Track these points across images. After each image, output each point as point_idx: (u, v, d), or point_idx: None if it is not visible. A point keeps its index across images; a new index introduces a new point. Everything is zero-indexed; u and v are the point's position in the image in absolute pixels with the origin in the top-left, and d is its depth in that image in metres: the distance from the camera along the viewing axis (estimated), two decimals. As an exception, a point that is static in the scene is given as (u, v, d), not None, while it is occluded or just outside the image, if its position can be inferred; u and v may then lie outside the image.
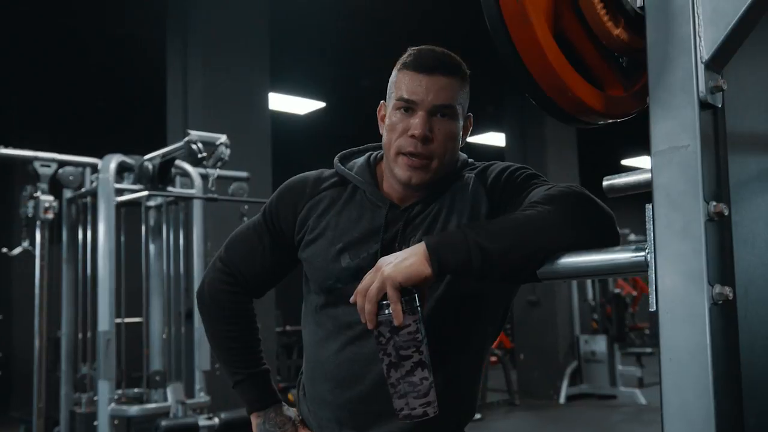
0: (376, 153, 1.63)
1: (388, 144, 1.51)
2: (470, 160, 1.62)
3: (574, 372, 9.51)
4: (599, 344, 9.46)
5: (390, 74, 1.55)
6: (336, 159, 1.65)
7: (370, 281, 1.25)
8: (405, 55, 1.51)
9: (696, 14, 1.00)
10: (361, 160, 1.63)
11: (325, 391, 1.54)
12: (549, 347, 9.55)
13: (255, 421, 1.66)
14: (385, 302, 1.24)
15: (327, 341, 1.54)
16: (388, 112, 1.53)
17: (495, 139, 11.86)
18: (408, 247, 1.45)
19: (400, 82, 1.49)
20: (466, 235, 1.24)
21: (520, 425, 8.25)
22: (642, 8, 1.08)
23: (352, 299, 1.28)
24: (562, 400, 9.16)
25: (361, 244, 1.51)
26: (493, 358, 9.58)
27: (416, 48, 1.51)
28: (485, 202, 1.50)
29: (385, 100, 1.56)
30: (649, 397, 8.81)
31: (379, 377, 1.44)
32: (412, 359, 1.25)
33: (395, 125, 1.49)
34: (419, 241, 1.44)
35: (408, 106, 1.47)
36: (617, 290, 10.43)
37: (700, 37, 1.00)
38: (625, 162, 14.93)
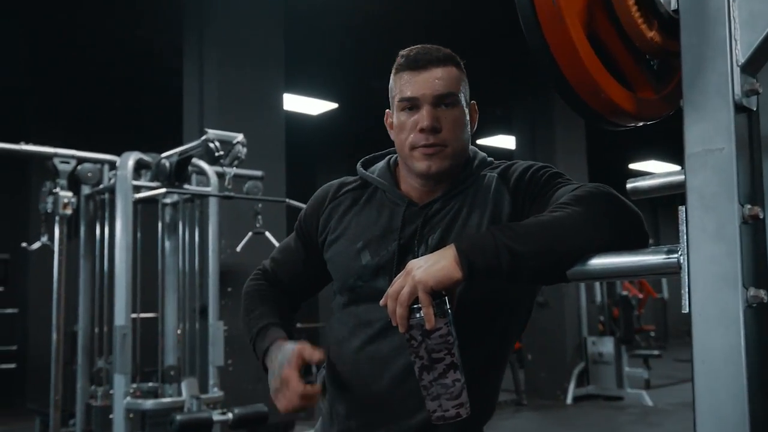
0: (395, 156, 1.66)
1: (401, 144, 1.53)
2: (489, 158, 1.63)
3: (582, 373, 9.49)
4: (606, 346, 9.45)
5: None
6: (359, 164, 1.68)
7: (401, 285, 1.25)
8: (398, 59, 1.54)
9: (732, 17, 0.99)
10: (381, 163, 1.66)
11: (343, 387, 1.55)
12: (557, 348, 9.54)
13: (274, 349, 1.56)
14: (416, 306, 1.24)
15: (348, 339, 1.55)
16: (394, 116, 1.55)
17: (504, 141, 11.85)
18: (426, 245, 1.47)
19: (399, 85, 1.52)
20: (496, 238, 1.24)
21: (527, 425, 8.23)
22: (676, 11, 1.07)
23: (382, 302, 1.28)
24: (569, 400, 9.15)
25: (380, 242, 1.53)
26: (501, 359, 9.56)
27: (406, 49, 1.55)
28: (508, 201, 1.50)
29: (390, 108, 1.59)
30: (656, 399, 8.81)
31: (397, 376, 1.46)
32: (444, 362, 1.25)
33: (403, 125, 1.51)
34: (438, 240, 1.46)
35: (411, 105, 1.50)
36: (624, 292, 10.41)
37: (736, 40, 0.99)
38: (632, 166, 14.96)
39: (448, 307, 1.25)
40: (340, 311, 1.60)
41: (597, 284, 10.23)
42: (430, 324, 1.23)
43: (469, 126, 1.55)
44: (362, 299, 1.52)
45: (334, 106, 10.00)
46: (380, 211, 1.57)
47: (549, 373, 9.54)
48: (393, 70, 1.55)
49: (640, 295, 12.27)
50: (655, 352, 11.00)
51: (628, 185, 1.35)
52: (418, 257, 1.42)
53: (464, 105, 1.53)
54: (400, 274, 1.28)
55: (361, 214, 1.59)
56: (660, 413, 8.32)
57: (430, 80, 1.48)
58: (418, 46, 1.54)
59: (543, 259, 1.24)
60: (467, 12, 7.05)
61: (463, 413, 1.28)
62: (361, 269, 1.52)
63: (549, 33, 1.12)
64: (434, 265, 1.24)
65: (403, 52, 1.54)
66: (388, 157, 1.68)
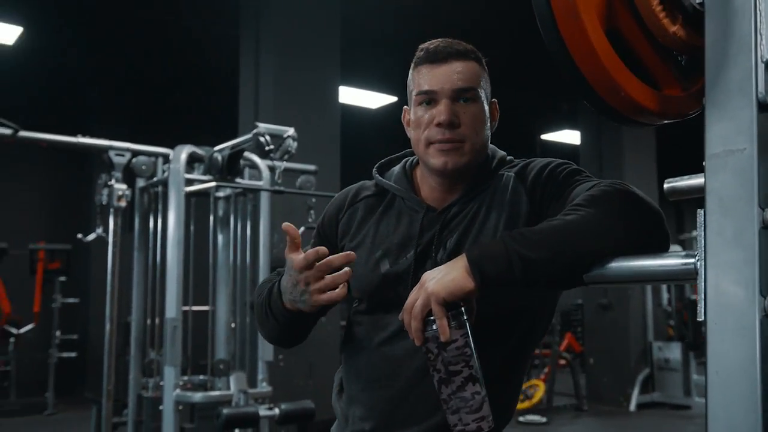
0: (411, 159, 1.63)
1: (417, 139, 1.50)
2: (509, 157, 1.59)
3: (646, 379, 9.26)
4: (674, 351, 9.18)
5: None
6: (374, 169, 1.66)
7: (415, 298, 1.24)
8: (417, 53, 1.51)
9: (758, 10, 0.94)
10: (397, 168, 1.63)
11: (357, 389, 1.54)
12: (620, 352, 9.32)
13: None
14: (431, 318, 1.23)
15: (364, 341, 1.54)
16: (411, 112, 1.52)
17: (570, 137, 11.68)
18: (444, 248, 1.44)
19: (417, 79, 1.49)
20: (507, 245, 1.21)
21: None
22: (701, 4, 1.03)
23: (399, 317, 1.28)
24: (632, 407, 8.95)
25: (399, 250, 1.50)
26: (562, 362, 9.42)
27: (427, 43, 1.51)
28: (525, 201, 1.47)
29: (408, 105, 1.56)
30: (725, 409, 8.52)
31: (411, 378, 1.44)
32: (462, 374, 1.23)
33: (420, 119, 1.48)
34: (456, 243, 1.44)
35: (429, 98, 1.47)
36: (694, 296, 10.11)
37: (761, 35, 0.94)
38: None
39: (465, 318, 1.23)
40: (356, 316, 1.59)
41: (664, 287, 9.98)
42: (445, 336, 1.21)
43: (489, 123, 1.51)
44: (380, 307, 1.51)
45: (393, 99, 9.98)
46: (399, 219, 1.55)
47: (611, 378, 9.34)
48: (412, 65, 1.52)
49: (715, 299, 11.89)
50: (726, 360, 10.63)
51: (665, 185, 1.30)
52: (436, 262, 1.42)
53: (484, 101, 1.49)
54: (415, 287, 1.27)
55: (380, 222, 1.57)
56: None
57: (450, 73, 1.45)
58: (439, 39, 1.51)
59: (556, 265, 1.20)
60: (527, 3, 6.97)
61: (484, 427, 1.25)
62: (381, 278, 1.50)
63: (564, 29, 1.09)
64: (445, 276, 1.23)
65: (423, 46, 1.52)
66: (404, 160, 1.65)
